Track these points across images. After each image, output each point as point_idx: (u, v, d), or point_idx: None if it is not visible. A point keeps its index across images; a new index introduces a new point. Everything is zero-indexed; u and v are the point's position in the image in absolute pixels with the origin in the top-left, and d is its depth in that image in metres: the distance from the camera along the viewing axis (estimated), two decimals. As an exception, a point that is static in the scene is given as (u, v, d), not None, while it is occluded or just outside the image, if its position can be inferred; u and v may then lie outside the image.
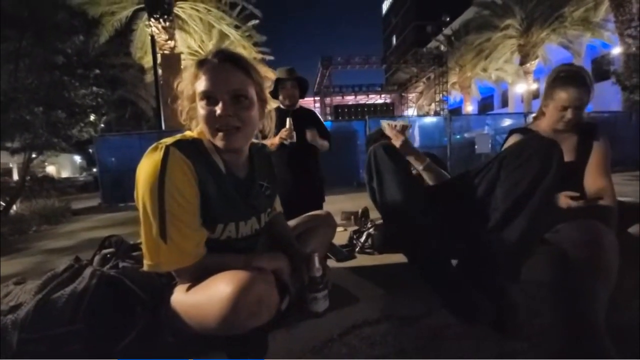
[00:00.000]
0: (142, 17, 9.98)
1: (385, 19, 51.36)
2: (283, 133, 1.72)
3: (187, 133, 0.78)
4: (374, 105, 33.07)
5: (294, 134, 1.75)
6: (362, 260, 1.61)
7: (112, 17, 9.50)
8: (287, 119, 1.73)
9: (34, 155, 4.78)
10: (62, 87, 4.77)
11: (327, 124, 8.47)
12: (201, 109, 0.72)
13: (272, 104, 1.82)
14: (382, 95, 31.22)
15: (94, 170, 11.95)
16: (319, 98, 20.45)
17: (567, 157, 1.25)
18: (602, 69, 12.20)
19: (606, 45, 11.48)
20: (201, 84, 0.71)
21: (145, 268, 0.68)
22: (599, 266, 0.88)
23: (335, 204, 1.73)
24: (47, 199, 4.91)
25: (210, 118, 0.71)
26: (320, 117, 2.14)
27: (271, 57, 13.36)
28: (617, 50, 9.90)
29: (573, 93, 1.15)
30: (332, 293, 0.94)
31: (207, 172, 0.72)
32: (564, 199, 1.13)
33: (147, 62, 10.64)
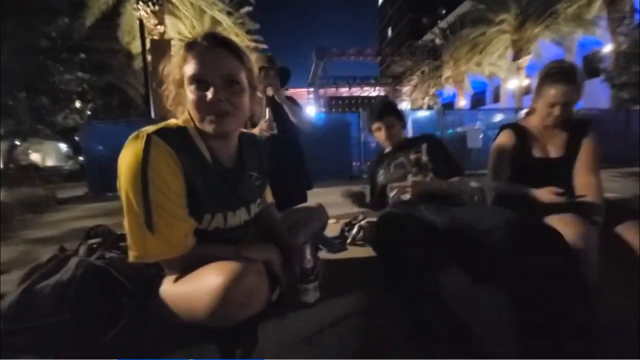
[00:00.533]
0: (130, 0, 9.61)
1: (381, 10, 50.74)
2: (263, 124, 1.70)
3: (172, 121, 0.75)
4: (368, 98, 33.02)
5: (274, 124, 1.75)
6: (353, 251, 1.62)
7: (99, -1, 9.09)
8: (266, 110, 1.72)
9: (17, 143, 4.63)
10: (46, 71, 4.59)
11: (320, 116, 8.42)
12: (190, 93, 0.69)
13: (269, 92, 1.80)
14: (376, 88, 31.16)
15: (80, 158, 11.66)
16: (312, 89, 20.25)
17: (557, 153, 1.27)
18: (592, 66, 12.38)
19: (597, 43, 11.64)
20: (191, 68, 0.68)
21: (130, 259, 0.66)
22: (579, 259, 0.91)
23: (328, 197, 1.73)
24: (31, 187, 4.78)
25: (200, 103, 0.69)
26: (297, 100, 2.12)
27: (264, 46, 13.08)
28: (607, 48, 10.06)
29: (561, 89, 1.16)
30: (323, 284, 0.94)
31: (192, 161, 0.70)
32: (550, 195, 1.16)
33: (136, 47, 10.27)
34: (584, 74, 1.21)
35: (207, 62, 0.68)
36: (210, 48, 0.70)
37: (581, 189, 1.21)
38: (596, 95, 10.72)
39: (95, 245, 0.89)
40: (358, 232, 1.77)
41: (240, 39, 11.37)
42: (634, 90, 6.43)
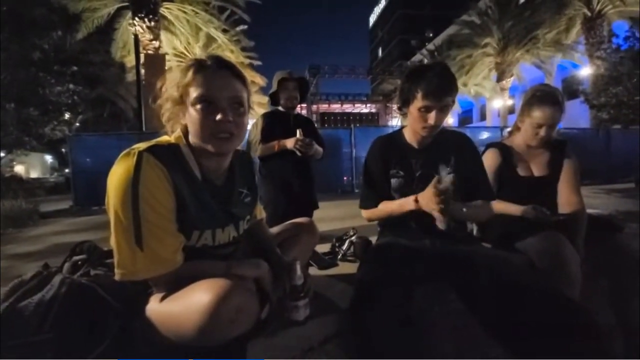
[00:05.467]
0: (126, 15, 9.76)
1: (372, 31, 52.88)
2: (297, 143, 1.68)
3: (164, 138, 0.76)
4: (360, 114, 33.72)
5: (313, 144, 1.72)
6: (344, 267, 1.61)
7: (93, 13, 9.20)
8: (298, 130, 1.71)
9: (2, 154, 4.51)
10: (37, 83, 4.56)
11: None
12: (196, 112, 0.70)
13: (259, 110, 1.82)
14: (368, 105, 31.90)
15: (66, 170, 11.39)
16: (305, 105, 20.61)
17: (541, 172, 1.33)
18: (571, 88, 13.05)
19: (575, 66, 12.33)
20: (199, 88, 0.70)
21: (117, 277, 0.65)
22: (561, 273, 0.97)
23: (321, 211, 1.73)
24: (13, 200, 4.61)
25: (207, 123, 0.70)
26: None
27: (259, 62, 13.36)
28: (585, 71, 10.66)
29: (548, 112, 1.22)
30: (314, 301, 0.94)
31: (182, 178, 0.71)
32: (534, 211, 1.19)
33: (129, 61, 10.36)
34: (564, 96, 1.29)
35: (216, 84, 0.71)
36: (218, 70, 0.72)
37: (565, 207, 1.26)
38: (576, 116, 11.24)
39: (80, 262, 0.87)
40: (349, 247, 1.78)
41: (235, 56, 11.60)
42: (612, 111, 6.79)
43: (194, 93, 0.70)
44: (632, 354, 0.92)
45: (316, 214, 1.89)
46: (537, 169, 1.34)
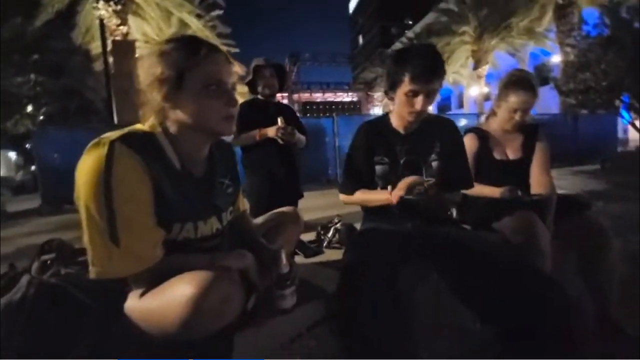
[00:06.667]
0: (89, -1, 9.05)
1: (352, 18, 52.22)
2: (279, 132, 1.65)
3: (137, 126, 0.72)
4: (342, 103, 33.65)
5: (295, 132, 1.70)
6: (330, 254, 1.63)
7: (53, -4, 8.47)
8: (279, 119, 1.67)
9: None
10: (-5, 74, 4.18)
11: (295, 121, 8.42)
12: (207, 97, 0.69)
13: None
14: (350, 93, 31.83)
15: (33, 168, 10.69)
16: (287, 94, 20.26)
17: (515, 155, 1.38)
18: (542, 75, 13.57)
19: (547, 53, 12.79)
20: (210, 71, 0.69)
21: (92, 275, 0.62)
22: (533, 249, 1.04)
23: (306, 200, 1.73)
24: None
25: (219, 106, 0.70)
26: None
27: (236, 50, 12.88)
28: (556, 58, 11.07)
29: (523, 96, 1.26)
30: (301, 288, 0.94)
31: (160, 168, 0.67)
32: (510, 193, 1.25)
33: (96, 47, 9.66)
34: (538, 82, 1.33)
35: (225, 68, 0.72)
36: (222, 55, 0.72)
37: (536, 187, 1.32)
38: (547, 102, 11.75)
39: (49, 261, 0.82)
40: (334, 235, 1.79)
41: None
42: (580, 96, 7.13)
43: (204, 76, 0.68)
44: (632, 354, 0.99)
45: (303, 203, 1.88)
46: (512, 152, 1.39)
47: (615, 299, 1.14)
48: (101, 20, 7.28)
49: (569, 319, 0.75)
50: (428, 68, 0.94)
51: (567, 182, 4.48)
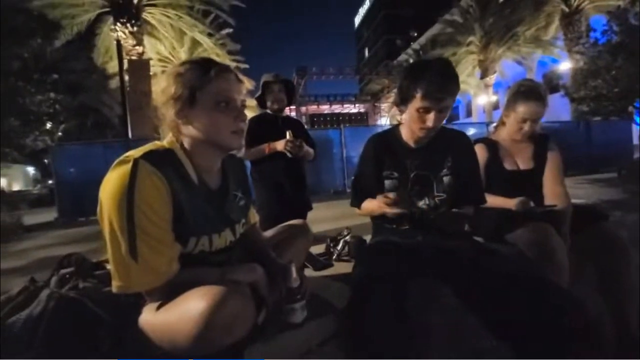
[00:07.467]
0: (107, 21, 9.55)
1: (358, 32, 53.26)
2: (288, 145, 1.68)
3: (157, 143, 0.74)
4: (349, 115, 33.91)
5: (304, 145, 1.72)
6: (339, 267, 1.61)
7: (73, 20, 8.98)
8: (287, 132, 1.70)
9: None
10: (16, 93, 4.39)
11: (303, 133, 8.53)
12: (218, 113, 0.72)
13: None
14: (356, 105, 32.10)
15: (50, 182, 11.04)
16: (294, 107, 20.59)
17: (526, 165, 1.36)
18: (551, 82, 13.44)
19: (555, 61, 12.70)
20: (220, 89, 0.72)
21: (114, 290, 0.63)
22: (549, 262, 1.01)
23: (314, 211, 1.73)
24: (-6, 214, 4.46)
25: (228, 121, 0.73)
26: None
27: (246, 66, 13.27)
28: (565, 66, 10.98)
29: (532, 107, 1.25)
30: (311, 302, 0.93)
31: (180, 184, 0.69)
32: (523, 205, 1.22)
33: (113, 67, 10.13)
34: (547, 91, 1.32)
35: (235, 86, 0.75)
36: (232, 74, 0.76)
37: (550, 198, 1.29)
38: (557, 110, 11.58)
39: (68, 275, 0.84)
40: (343, 247, 1.78)
41: (222, 59, 11.49)
42: (592, 103, 7.01)
43: (214, 94, 0.72)
44: (631, 354, 0.95)
45: (311, 214, 1.88)
46: (523, 163, 1.37)
47: (635, 315, 1.08)
48: (118, 41, 7.64)
49: (589, 336, 0.72)
50: (441, 85, 0.90)
51: (583, 191, 4.36)
